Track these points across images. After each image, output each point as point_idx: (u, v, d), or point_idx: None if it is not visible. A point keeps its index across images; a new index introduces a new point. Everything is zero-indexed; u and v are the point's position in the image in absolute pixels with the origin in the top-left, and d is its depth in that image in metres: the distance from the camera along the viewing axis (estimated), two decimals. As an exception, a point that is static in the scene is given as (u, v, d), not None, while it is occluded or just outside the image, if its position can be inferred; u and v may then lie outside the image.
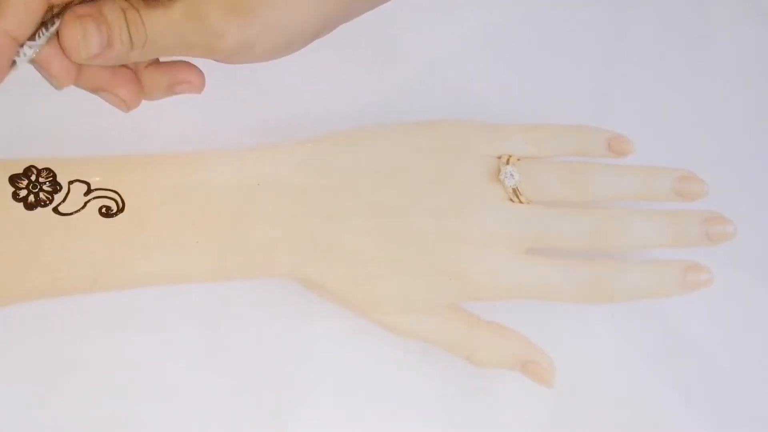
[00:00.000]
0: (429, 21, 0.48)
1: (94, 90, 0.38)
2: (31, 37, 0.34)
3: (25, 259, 0.39)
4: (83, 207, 0.40)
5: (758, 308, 0.45)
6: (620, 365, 0.44)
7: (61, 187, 0.40)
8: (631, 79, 0.48)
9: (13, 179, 0.40)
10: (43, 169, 0.40)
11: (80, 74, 0.36)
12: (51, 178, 0.40)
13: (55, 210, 0.40)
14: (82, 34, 0.34)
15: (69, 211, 0.40)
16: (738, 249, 0.43)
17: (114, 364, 0.41)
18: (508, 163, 0.42)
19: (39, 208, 0.39)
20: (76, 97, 0.37)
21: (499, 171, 0.42)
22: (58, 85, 0.37)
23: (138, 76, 0.38)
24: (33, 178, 0.40)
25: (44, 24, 0.35)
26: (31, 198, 0.39)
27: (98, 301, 0.40)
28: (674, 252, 0.43)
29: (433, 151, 0.43)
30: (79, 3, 0.35)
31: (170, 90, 0.38)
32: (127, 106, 0.38)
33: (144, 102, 0.41)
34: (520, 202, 0.42)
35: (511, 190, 0.42)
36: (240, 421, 0.41)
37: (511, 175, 0.42)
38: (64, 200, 0.40)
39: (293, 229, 0.41)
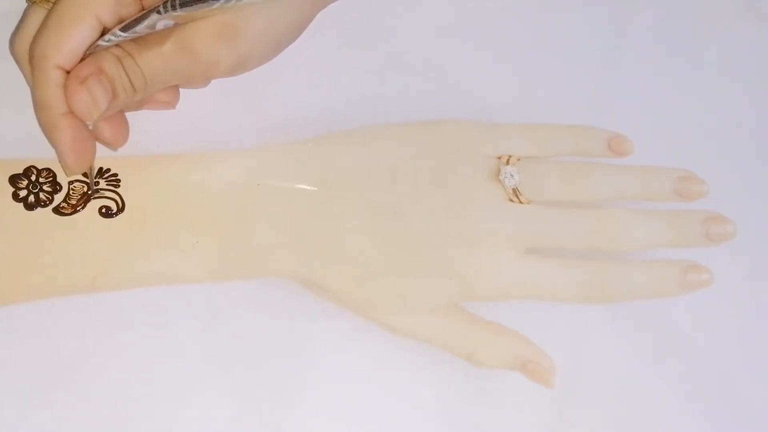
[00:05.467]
0: (429, 21, 0.48)
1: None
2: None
3: (25, 259, 0.39)
4: (83, 207, 0.40)
5: (758, 308, 0.45)
6: (620, 365, 0.44)
7: (61, 187, 0.40)
8: (631, 79, 0.48)
9: (13, 179, 0.40)
10: (43, 169, 0.40)
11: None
12: (51, 179, 0.40)
13: (55, 210, 0.40)
14: (92, 99, 0.35)
15: (69, 211, 0.40)
16: (738, 249, 0.44)
17: (114, 364, 0.40)
18: (508, 163, 0.42)
19: (39, 208, 0.39)
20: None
21: (499, 171, 0.42)
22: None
23: None
24: (33, 178, 0.40)
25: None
26: (31, 198, 0.39)
27: (98, 301, 0.40)
28: (674, 252, 0.43)
29: (433, 151, 0.43)
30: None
31: (140, 105, 0.40)
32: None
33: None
34: (520, 202, 0.42)
35: (511, 191, 0.42)
36: (240, 421, 0.41)
37: (511, 175, 0.42)
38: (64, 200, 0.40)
39: (293, 229, 0.41)
